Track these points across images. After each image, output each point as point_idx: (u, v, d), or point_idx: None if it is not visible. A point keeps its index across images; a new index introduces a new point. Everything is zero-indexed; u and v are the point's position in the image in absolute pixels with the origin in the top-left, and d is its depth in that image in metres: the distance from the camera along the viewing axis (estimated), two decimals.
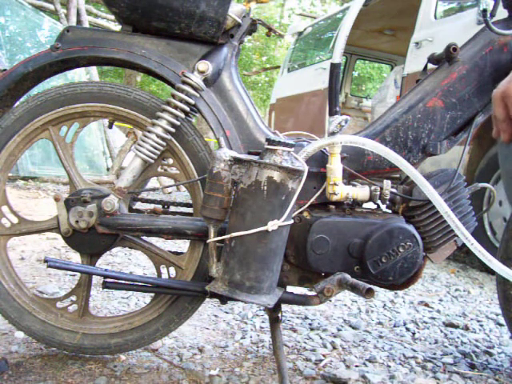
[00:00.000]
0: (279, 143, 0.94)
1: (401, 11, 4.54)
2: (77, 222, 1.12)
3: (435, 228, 1.14)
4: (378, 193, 1.11)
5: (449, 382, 1.29)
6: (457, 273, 2.89)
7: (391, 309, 1.95)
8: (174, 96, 1.12)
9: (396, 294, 2.20)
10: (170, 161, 1.20)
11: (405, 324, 1.76)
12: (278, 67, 8.07)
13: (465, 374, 1.35)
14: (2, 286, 1.17)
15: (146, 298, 1.75)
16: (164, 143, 1.13)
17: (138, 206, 1.43)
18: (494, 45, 1.14)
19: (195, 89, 1.13)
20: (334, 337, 1.55)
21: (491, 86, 1.14)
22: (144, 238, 1.20)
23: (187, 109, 1.13)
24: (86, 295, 1.20)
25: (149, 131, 1.12)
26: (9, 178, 4.66)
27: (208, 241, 1.04)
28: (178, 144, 1.15)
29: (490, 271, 2.79)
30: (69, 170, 1.17)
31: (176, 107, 1.12)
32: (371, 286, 1.00)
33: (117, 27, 7.42)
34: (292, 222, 1.00)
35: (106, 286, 1.13)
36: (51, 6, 7.01)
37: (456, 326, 1.79)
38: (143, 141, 1.12)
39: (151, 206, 1.25)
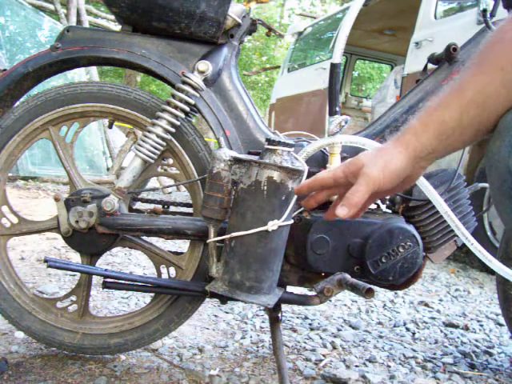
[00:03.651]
0: (279, 143, 0.94)
1: (401, 11, 4.54)
2: (77, 221, 1.11)
3: (435, 228, 1.14)
4: None
5: (449, 382, 1.29)
6: (457, 273, 2.89)
7: (391, 309, 1.95)
8: (174, 96, 1.12)
9: (396, 294, 2.20)
10: (170, 161, 1.20)
11: (405, 324, 1.76)
12: (278, 67, 8.06)
13: (465, 374, 1.35)
14: (2, 286, 1.17)
15: (146, 298, 1.75)
16: (164, 143, 1.13)
17: (138, 205, 1.43)
18: None
19: (195, 89, 1.13)
20: (334, 337, 1.55)
21: None
22: (144, 238, 1.20)
23: (187, 109, 1.13)
24: (85, 295, 1.20)
25: (149, 131, 1.12)
26: (9, 178, 4.66)
27: (208, 241, 1.04)
28: (177, 144, 1.15)
29: (490, 271, 2.79)
30: (69, 170, 1.17)
31: (176, 107, 1.12)
32: (371, 286, 1.00)
33: (117, 27, 7.42)
34: (292, 221, 0.99)
35: (106, 286, 1.13)
36: (51, 6, 7.01)
37: (456, 326, 1.79)
38: (143, 141, 1.12)
39: (151, 206, 1.25)
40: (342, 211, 0.72)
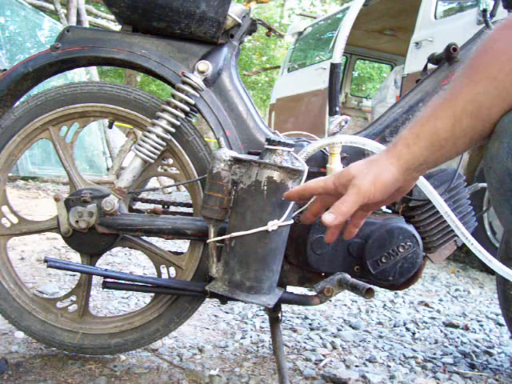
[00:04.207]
0: (279, 143, 0.94)
1: (401, 11, 4.54)
2: (77, 222, 1.11)
3: (435, 228, 1.14)
4: None
5: (449, 382, 1.29)
6: (457, 273, 2.89)
7: (391, 309, 1.95)
8: (174, 96, 1.12)
9: (396, 294, 2.20)
10: (170, 161, 1.20)
11: (405, 324, 1.76)
12: (278, 67, 8.06)
13: (465, 374, 1.35)
14: (2, 286, 1.17)
15: (146, 298, 1.75)
16: (164, 143, 1.13)
17: (138, 205, 1.43)
18: None
19: (195, 89, 1.13)
20: (334, 337, 1.55)
21: None
22: (144, 237, 1.20)
23: (187, 109, 1.13)
24: (85, 295, 1.20)
25: (149, 131, 1.12)
26: (9, 178, 4.66)
27: (208, 241, 1.04)
28: (178, 144, 1.15)
29: (489, 271, 2.79)
30: (69, 170, 1.17)
31: (176, 107, 1.12)
32: (371, 286, 1.00)
33: (117, 27, 7.41)
34: (292, 221, 1.00)
35: (106, 286, 1.13)
36: (51, 6, 7.01)
37: (456, 326, 1.79)
38: (143, 141, 1.12)
39: (151, 206, 1.25)
40: (328, 217, 0.72)
